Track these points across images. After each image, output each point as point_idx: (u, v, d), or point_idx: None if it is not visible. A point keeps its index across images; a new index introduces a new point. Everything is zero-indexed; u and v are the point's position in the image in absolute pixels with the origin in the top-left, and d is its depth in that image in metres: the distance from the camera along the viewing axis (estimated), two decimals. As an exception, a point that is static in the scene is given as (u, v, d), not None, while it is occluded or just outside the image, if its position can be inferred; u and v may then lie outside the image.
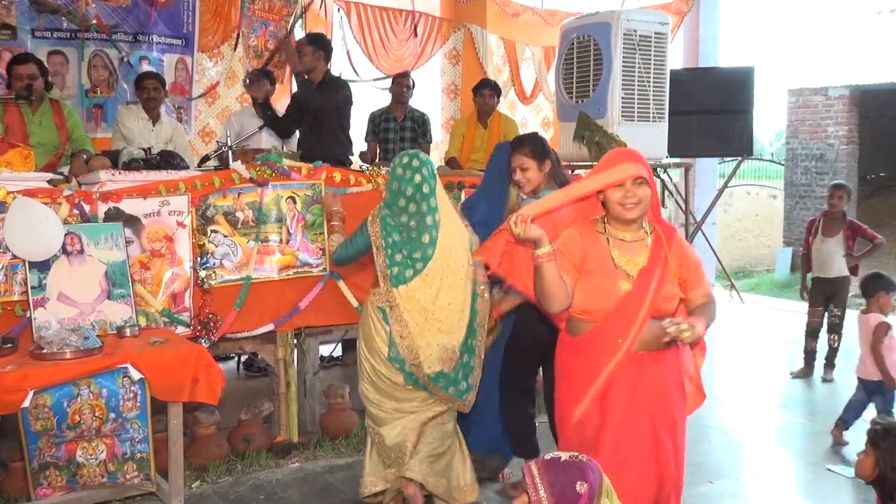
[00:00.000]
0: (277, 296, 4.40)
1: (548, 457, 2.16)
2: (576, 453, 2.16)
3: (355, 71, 8.46)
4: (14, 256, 3.59)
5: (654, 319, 2.69)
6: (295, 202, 4.40)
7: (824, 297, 6.35)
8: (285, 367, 4.57)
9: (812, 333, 6.40)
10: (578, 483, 2.04)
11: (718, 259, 9.97)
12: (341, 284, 4.52)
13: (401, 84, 6.65)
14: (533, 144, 3.77)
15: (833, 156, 11.60)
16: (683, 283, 2.80)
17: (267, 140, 5.93)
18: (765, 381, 6.29)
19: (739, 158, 8.70)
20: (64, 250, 3.65)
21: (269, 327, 4.42)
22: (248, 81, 5.90)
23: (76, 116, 5.26)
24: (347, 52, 8.33)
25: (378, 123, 6.67)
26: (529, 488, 2.08)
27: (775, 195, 13.56)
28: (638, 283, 2.68)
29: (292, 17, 7.52)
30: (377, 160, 6.47)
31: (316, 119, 5.59)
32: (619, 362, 2.69)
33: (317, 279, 4.48)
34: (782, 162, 13.12)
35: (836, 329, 6.33)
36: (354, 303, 4.51)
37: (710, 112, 7.33)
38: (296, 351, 4.69)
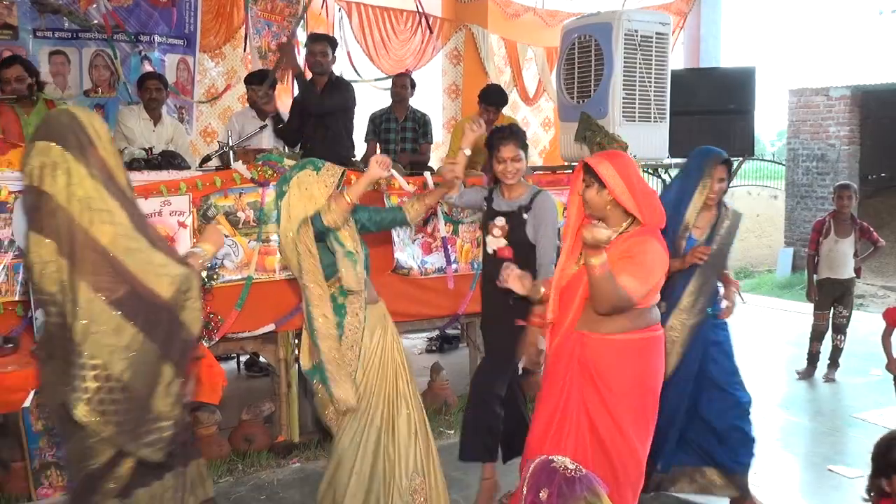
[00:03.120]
0: (279, 296, 4.40)
1: (548, 458, 2.14)
2: (572, 463, 2.13)
3: (356, 71, 8.46)
4: (16, 256, 3.59)
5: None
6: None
7: (832, 299, 6.34)
8: (286, 368, 4.57)
9: (818, 337, 6.38)
10: (543, 490, 2.04)
11: (719, 259, 9.95)
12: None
13: (401, 84, 6.64)
14: (521, 136, 3.90)
15: (834, 156, 11.58)
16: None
17: (268, 140, 5.93)
18: (766, 381, 6.28)
19: (741, 159, 8.66)
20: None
21: (271, 327, 4.42)
22: (263, 96, 5.86)
23: None
24: (348, 53, 8.33)
25: (379, 124, 6.66)
26: (519, 481, 2.12)
27: (776, 195, 13.54)
28: (582, 267, 2.86)
29: (294, 21, 7.52)
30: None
31: (320, 121, 5.59)
32: (561, 337, 2.98)
33: (318, 279, 4.46)
34: (783, 162, 13.10)
35: (842, 329, 6.32)
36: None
37: (712, 112, 7.30)
38: (297, 351, 4.69)
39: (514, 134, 3.87)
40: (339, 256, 3.26)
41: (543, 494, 2.02)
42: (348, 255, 3.26)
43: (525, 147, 3.89)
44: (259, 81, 6.03)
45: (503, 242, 3.84)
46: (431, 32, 8.75)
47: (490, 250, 3.89)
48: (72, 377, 2.27)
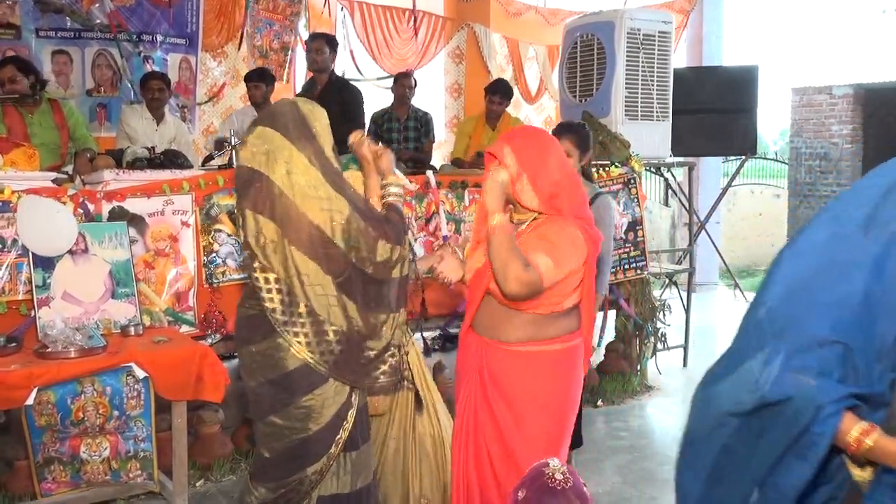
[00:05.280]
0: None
1: (546, 461, 2.11)
2: (563, 474, 2.05)
3: (359, 70, 8.48)
4: (19, 255, 3.60)
5: (501, 304, 2.54)
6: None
7: None
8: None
9: None
10: (522, 489, 2.02)
11: (722, 258, 9.96)
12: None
13: (403, 84, 6.65)
14: (580, 134, 3.85)
15: (837, 155, 11.58)
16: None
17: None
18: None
19: (743, 157, 8.69)
20: (68, 249, 3.66)
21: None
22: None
23: (77, 115, 5.27)
24: (351, 52, 8.35)
25: (381, 124, 6.67)
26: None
27: (779, 194, 13.54)
28: (487, 262, 2.51)
29: (288, 60, 7.56)
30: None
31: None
32: (462, 335, 2.72)
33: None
34: (786, 161, 13.10)
35: None
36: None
37: (714, 111, 7.31)
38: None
39: (572, 129, 3.87)
40: None
41: (521, 494, 2.01)
42: None
43: (582, 146, 3.83)
44: (258, 78, 6.05)
45: None
46: (416, 33, 8.75)
47: None
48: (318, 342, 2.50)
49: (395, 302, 2.63)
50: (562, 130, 3.86)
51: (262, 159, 2.45)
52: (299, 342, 2.47)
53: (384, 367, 2.65)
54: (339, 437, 2.61)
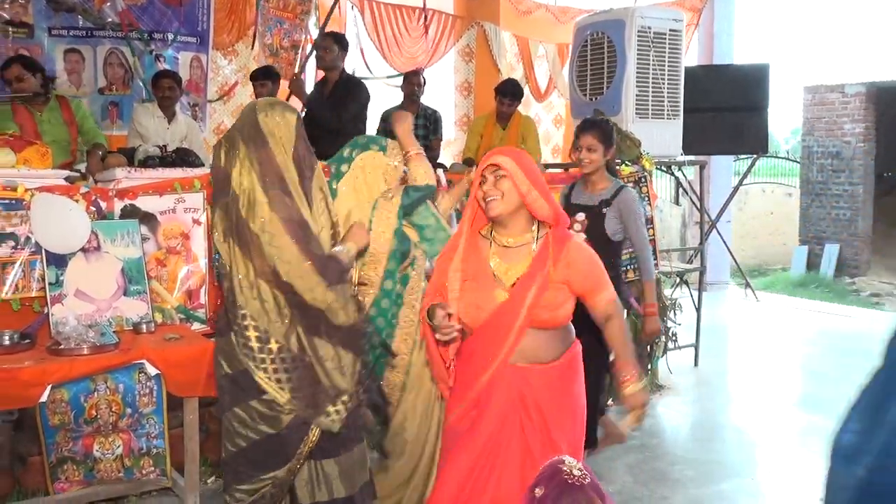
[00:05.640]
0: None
1: (560, 458, 2.11)
2: (580, 470, 2.04)
3: (368, 68, 8.48)
4: (32, 252, 3.63)
5: (538, 329, 2.54)
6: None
7: None
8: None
9: None
10: (539, 487, 2.01)
11: (733, 257, 9.94)
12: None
13: (412, 82, 6.66)
14: (603, 129, 3.99)
15: (849, 153, 11.54)
16: (581, 291, 2.59)
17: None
18: (780, 379, 6.27)
19: (755, 156, 8.68)
20: (81, 247, 3.69)
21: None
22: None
23: (84, 110, 5.31)
24: (361, 50, 8.36)
25: (391, 122, 6.66)
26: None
27: (791, 193, 13.50)
28: (514, 292, 2.52)
29: (299, 58, 7.59)
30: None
31: (329, 122, 5.57)
32: (494, 374, 2.55)
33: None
34: (798, 159, 13.06)
35: None
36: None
37: (725, 109, 7.30)
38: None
39: (595, 125, 3.99)
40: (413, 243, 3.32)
41: (539, 491, 2.00)
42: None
43: (606, 141, 3.97)
44: (264, 77, 6.07)
45: (582, 237, 3.90)
46: (426, 31, 8.75)
47: None
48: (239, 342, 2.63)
49: (344, 343, 2.67)
50: (586, 126, 3.99)
51: (225, 157, 2.58)
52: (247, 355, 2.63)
53: (337, 408, 2.68)
54: (301, 447, 2.64)
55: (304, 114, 5.86)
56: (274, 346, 2.60)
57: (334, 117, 5.54)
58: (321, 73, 5.95)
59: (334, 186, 3.20)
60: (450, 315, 2.45)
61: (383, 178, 3.27)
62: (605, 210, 3.96)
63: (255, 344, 2.61)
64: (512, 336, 2.52)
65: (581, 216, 3.97)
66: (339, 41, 5.86)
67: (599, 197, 4.01)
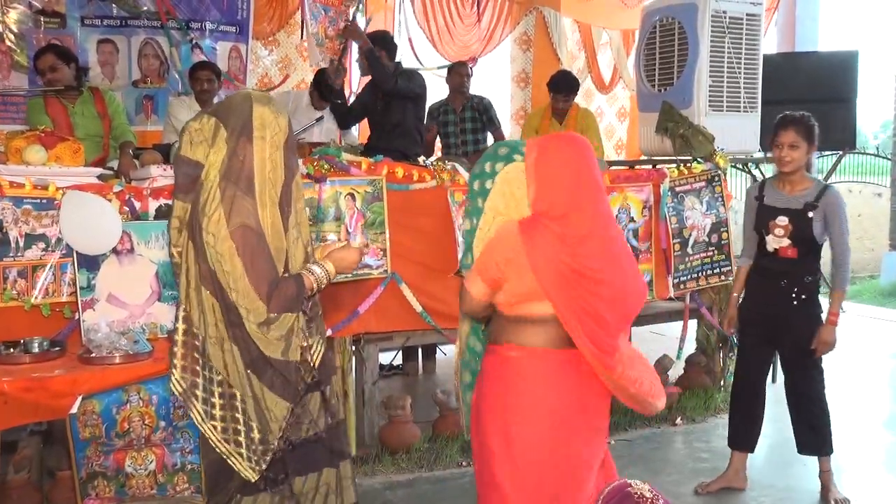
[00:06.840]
0: (335, 299, 4.43)
1: (626, 482, 2.10)
2: (650, 490, 2.02)
3: (418, 59, 8.49)
4: (63, 255, 3.68)
5: None
6: (354, 199, 4.41)
7: None
8: (343, 376, 4.60)
9: None
10: None
11: (816, 263, 9.74)
12: (403, 287, 4.53)
13: (460, 73, 6.64)
14: (806, 125, 3.99)
15: (947, 149, 11.25)
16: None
17: (320, 133, 5.96)
18: (866, 398, 6.11)
19: (841, 152, 8.49)
20: (113, 249, 3.73)
21: (327, 332, 4.46)
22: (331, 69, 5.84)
23: (117, 103, 5.39)
24: (409, 39, 8.38)
25: (436, 116, 6.66)
26: None
27: (880, 193, 13.19)
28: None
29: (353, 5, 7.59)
30: (438, 154, 6.48)
31: (388, 107, 5.56)
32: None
33: (377, 282, 4.50)
34: (889, 156, 12.76)
35: None
36: (418, 307, 4.53)
37: (808, 101, 7.11)
38: (354, 358, 4.72)
39: (797, 121, 3.98)
40: None
41: None
42: None
43: (809, 138, 3.99)
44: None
45: (786, 242, 4.01)
46: (480, 18, 8.68)
47: (770, 248, 4.07)
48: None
49: (271, 384, 2.56)
50: (787, 121, 3.99)
51: (190, 140, 2.51)
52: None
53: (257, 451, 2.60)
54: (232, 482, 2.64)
55: (366, 91, 5.80)
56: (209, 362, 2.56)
57: (397, 111, 5.52)
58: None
59: (480, 205, 2.90)
60: None
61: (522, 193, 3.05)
62: (811, 213, 3.96)
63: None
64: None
65: (784, 220, 3.98)
66: (387, 47, 5.72)
67: (803, 198, 4.00)
